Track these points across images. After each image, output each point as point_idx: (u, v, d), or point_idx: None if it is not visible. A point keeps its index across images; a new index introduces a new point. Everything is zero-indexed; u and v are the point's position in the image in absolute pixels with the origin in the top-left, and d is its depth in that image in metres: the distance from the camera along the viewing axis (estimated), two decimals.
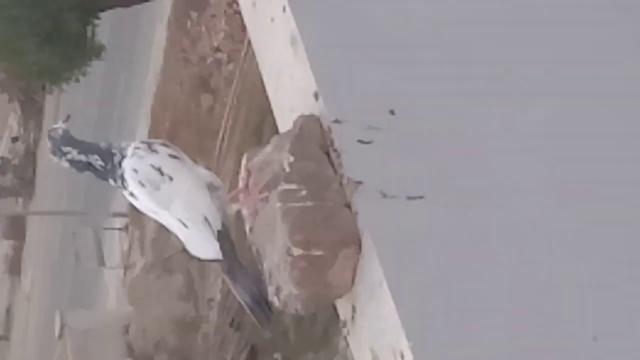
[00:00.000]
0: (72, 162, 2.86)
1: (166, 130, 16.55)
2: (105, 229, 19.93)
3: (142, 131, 18.53)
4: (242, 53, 14.57)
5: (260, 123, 13.22)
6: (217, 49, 15.87)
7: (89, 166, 2.85)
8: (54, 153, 2.88)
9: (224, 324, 13.34)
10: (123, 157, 2.79)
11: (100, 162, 2.82)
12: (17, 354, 27.90)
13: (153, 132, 17.27)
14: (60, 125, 2.87)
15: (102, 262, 19.69)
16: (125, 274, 18.80)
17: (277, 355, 11.98)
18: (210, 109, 15.95)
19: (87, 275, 20.76)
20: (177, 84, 17.02)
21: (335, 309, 2.77)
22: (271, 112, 3.07)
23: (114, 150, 2.81)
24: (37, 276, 27.09)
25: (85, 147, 2.85)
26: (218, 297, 13.88)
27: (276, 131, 2.97)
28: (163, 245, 16.25)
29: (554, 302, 2.56)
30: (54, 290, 24.06)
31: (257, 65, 3.20)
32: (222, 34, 15.82)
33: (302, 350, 11.29)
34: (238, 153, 14.01)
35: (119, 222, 19.68)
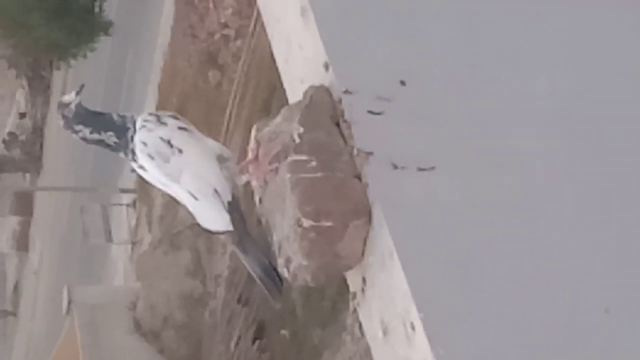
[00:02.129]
0: (83, 139, 2.84)
1: (174, 105, 16.54)
2: (113, 204, 19.95)
3: (150, 107, 18.51)
4: (250, 29, 14.53)
5: (268, 98, 13.20)
6: (225, 25, 15.84)
7: (100, 142, 2.83)
8: (65, 128, 2.85)
9: (231, 300, 13.36)
10: (135, 131, 2.77)
11: (114, 139, 2.79)
12: (25, 329, 28.00)
13: (161, 108, 17.25)
14: (72, 99, 2.82)
15: (109, 238, 19.72)
16: (132, 250, 18.84)
17: (284, 331, 11.99)
18: (218, 84, 15.93)
19: (95, 251, 20.81)
20: (184, 60, 17.00)
21: (342, 285, 2.76)
22: (279, 87, 3.05)
23: (128, 125, 2.77)
24: (45, 252, 27.16)
25: (99, 124, 2.81)
26: (225, 273, 13.90)
27: (285, 105, 2.95)
28: (171, 221, 16.27)
29: (565, 273, 2.54)
30: (61, 266, 24.12)
31: (264, 41, 3.18)
32: (229, 10, 15.78)
33: (310, 326, 11.30)
34: (246, 128, 13.99)
35: (126, 198, 19.71)
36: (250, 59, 14.55)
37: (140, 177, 2.85)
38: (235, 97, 14.99)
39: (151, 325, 14.91)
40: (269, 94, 13.04)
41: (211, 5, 16.23)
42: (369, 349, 2.65)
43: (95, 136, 2.80)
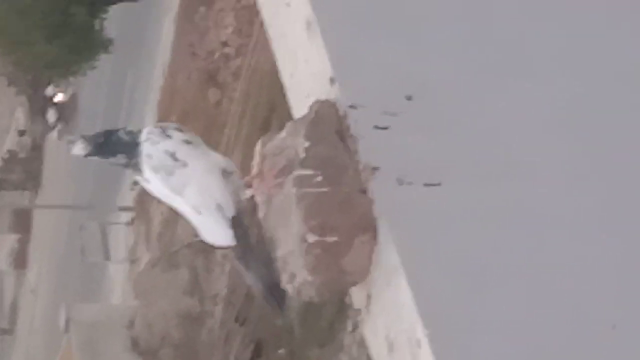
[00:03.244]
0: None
1: None
2: (111, 223, 19.92)
3: (149, 125, 18.48)
4: (250, 47, 14.55)
5: (267, 117, 13.20)
6: (225, 44, 15.86)
7: (111, 164, 2.83)
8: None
9: (229, 319, 13.33)
10: None
11: (123, 160, 2.79)
12: (22, 347, 27.90)
13: None
14: (81, 150, 2.82)
15: (107, 256, 19.69)
16: (130, 268, 18.79)
17: (281, 351, 11.95)
18: (218, 103, 15.94)
19: (93, 270, 20.76)
20: (184, 78, 17.01)
21: (340, 304, 2.73)
22: (279, 106, 3.04)
23: (138, 141, 2.77)
24: (43, 270, 27.09)
25: (109, 151, 2.81)
26: (224, 292, 13.86)
27: (283, 126, 2.93)
28: (169, 240, 16.25)
29: (574, 288, 2.52)
30: (59, 284, 24.06)
31: (264, 59, 3.17)
32: (230, 29, 15.81)
33: (307, 345, 11.27)
34: (245, 147, 13.99)
35: (125, 216, 19.68)
36: (250, 77, 14.56)
37: (143, 189, 2.83)
38: (234, 115, 14.99)
39: (149, 344, 14.86)
40: (269, 113, 13.04)
41: (211, 24, 16.26)
42: None
43: (105, 161, 2.81)
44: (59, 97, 26.78)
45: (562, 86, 2.80)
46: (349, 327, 10.12)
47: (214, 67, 16.09)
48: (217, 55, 16.02)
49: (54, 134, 26.58)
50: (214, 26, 16.15)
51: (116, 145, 2.78)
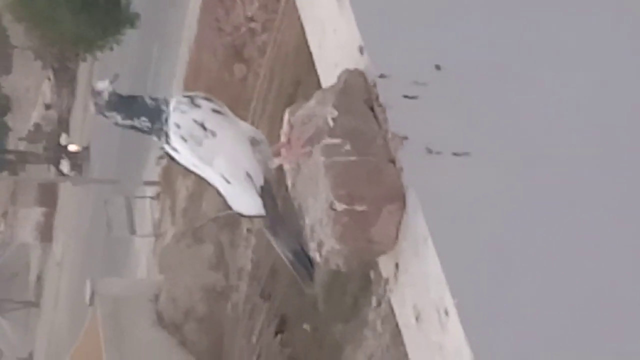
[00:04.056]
0: (116, 124, 2.82)
1: None
2: (137, 197, 19.98)
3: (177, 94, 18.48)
4: (276, 23, 14.51)
5: (292, 93, 13.17)
6: (251, 19, 15.83)
7: (132, 127, 2.80)
8: (97, 114, 2.83)
9: (253, 294, 13.35)
10: (169, 112, 2.74)
11: (147, 124, 2.76)
12: (48, 320, 28.10)
13: None
14: (105, 87, 2.80)
15: (133, 231, 19.75)
16: (155, 243, 18.86)
17: (306, 326, 11.97)
18: (244, 78, 15.93)
19: (118, 243, 20.85)
20: (210, 54, 17.00)
21: (365, 280, 2.72)
22: (304, 82, 3.02)
23: (162, 107, 2.74)
24: (69, 243, 27.25)
25: (132, 110, 2.78)
26: (248, 266, 13.89)
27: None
28: (194, 214, 16.29)
29: (600, 265, 2.51)
30: (85, 258, 24.19)
31: (290, 35, 3.15)
32: (256, 4, 15.78)
33: (332, 321, 11.27)
34: (270, 122, 13.97)
35: (150, 191, 19.74)
36: (276, 53, 14.53)
37: (171, 159, 2.83)
38: (260, 91, 14.99)
39: (173, 318, 14.92)
40: (294, 89, 13.01)
41: None
42: (391, 344, 2.62)
43: (128, 122, 2.78)
44: (73, 148, 27.21)
45: (595, 71, 2.78)
46: (374, 303, 10.11)
47: (240, 43, 16.07)
48: (242, 30, 16.00)
49: (67, 183, 26.99)
50: (240, 1, 16.12)
51: (140, 108, 2.76)
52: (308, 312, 11.73)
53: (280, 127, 2.82)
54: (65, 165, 27.95)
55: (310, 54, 3.11)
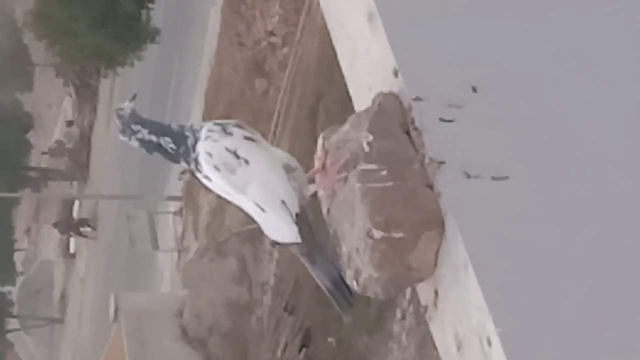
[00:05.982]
0: (141, 141, 2.76)
1: (220, 113, 16.55)
2: (160, 212, 20.00)
3: (196, 114, 18.54)
4: (296, 37, 14.50)
5: (314, 106, 13.16)
6: (272, 33, 15.84)
7: (159, 147, 2.75)
8: (123, 132, 2.79)
9: (277, 308, 13.33)
10: (196, 139, 2.69)
11: (171, 145, 2.72)
12: (72, 336, 28.14)
13: (207, 116, 17.28)
14: (127, 105, 2.79)
15: (156, 246, 19.77)
16: (179, 258, 18.87)
17: (331, 339, 11.93)
18: (265, 92, 15.92)
19: (141, 259, 20.87)
20: (231, 68, 17.02)
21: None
22: (325, 94, 2.98)
23: (187, 133, 2.70)
24: (92, 259, 27.30)
25: (156, 128, 2.75)
26: (272, 280, 13.86)
27: (330, 114, 2.86)
28: (217, 229, 16.28)
29: None
30: (108, 273, 24.23)
31: (311, 48, 3.11)
32: (276, 18, 15.78)
33: (356, 334, 11.23)
34: (292, 135, 13.96)
35: (173, 206, 19.75)
36: (297, 66, 14.52)
37: (191, 179, 2.78)
38: (281, 105, 14.97)
39: (197, 333, 14.92)
40: (315, 102, 13.00)
41: (258, 13, 16.24)
42: (416, 357, 2.57)
43: (153, 138, 2.73)
44: (85, 230, 27.58)
45: (634, 81, 2.72)
46: (398, 315, 10.06)
47: (261, 57, 16.08)
48: (263, 44, 16.01)
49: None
50: (260, 15, 16.13)
51: (164, 128, 2.73)
52: (332, 325, 11.69)
53: (303, 140, 2.77)
54: (72, 247, 28.48)
55: (330, 66, 3.06)
